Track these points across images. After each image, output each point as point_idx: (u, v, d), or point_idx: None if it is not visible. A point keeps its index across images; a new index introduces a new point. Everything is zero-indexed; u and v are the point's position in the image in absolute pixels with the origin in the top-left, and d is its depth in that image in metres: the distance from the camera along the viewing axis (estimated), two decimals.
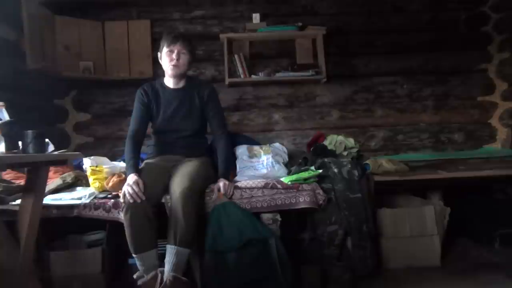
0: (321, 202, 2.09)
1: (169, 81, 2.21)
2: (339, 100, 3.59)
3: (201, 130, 2.26)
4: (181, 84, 2.21)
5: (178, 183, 1.88)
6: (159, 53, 2.18)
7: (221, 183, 2.02)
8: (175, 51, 2.09)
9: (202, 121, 2.23)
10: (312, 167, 2.34)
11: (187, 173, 1.94)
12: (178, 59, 2.10)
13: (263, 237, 1.84)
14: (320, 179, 2.21)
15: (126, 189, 1.81)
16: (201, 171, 2.03)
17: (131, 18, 3.47)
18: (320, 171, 2.26)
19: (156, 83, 2.25)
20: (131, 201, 1.78)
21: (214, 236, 1.84)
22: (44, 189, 1.76)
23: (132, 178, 1.87)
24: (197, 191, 1.90)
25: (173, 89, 2.20)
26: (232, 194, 2.03)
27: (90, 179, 2.15)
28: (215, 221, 1.88)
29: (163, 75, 2.26)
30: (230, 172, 2.20)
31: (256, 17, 3.42)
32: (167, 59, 2.12)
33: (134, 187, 1.80)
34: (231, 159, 2.30)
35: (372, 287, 2.09)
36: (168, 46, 2.10)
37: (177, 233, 1.79)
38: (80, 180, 2.24)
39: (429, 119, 3.61)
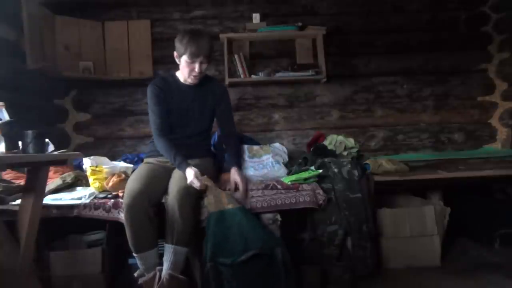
0: (321, 202, 2.09)
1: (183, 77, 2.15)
2: (339, 100, 3.59)
3: (208, 130, 2.24)
4: None
5: (176, 182, 1.88)
6: (175, 52, 2.05)
7: (238, 177, 2.01)
8: (197, 63, 2.00)
9: (211, 120, 2.22)
10: (312, 167, 2.34)
11: None
12: (200, 71, 2.03)
13: (269, 248, 1.78)
14: (320, 179, 2.21)
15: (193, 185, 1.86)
16: (200, 170, 2.02)
17: (131, 18, 3.47)
18: (320, 171, 2.26)
19: (169, 77, 2.18)
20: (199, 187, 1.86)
21: (218, 246, 1.76)
22: (44, 189, 1.76)
23: (190, 173, 1.87)
24: (194, 191, 1.88)
25: (187, 85, 2.14)
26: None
27: (90, 179, 2.15)
28: (219, 229, 1.81)
29: (163, 75, 2.24)
30: (242, 163, 2.23)
31: (256, 17, 3.42)
32: (186, 68, 2.03)
33: (196, 182, 1.85)
34: (242, 155, 2.32)
35: (372, 287, 2.09)
36: (191, 58, 1.98)
37: (174, 232, 1.79)
38: (80, 180, 2.24)
39: (429, 119, 3.61)
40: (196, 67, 2.01)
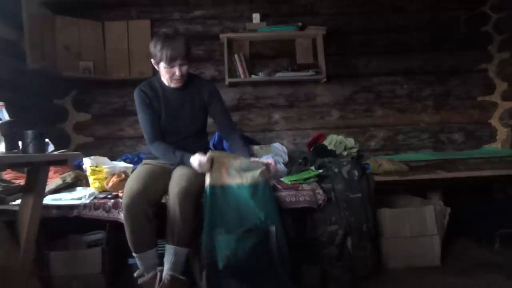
0: (320, 201, 2.09)
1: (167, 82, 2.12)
2: (339, 100, 3.59)
3: (203, 129, 2.21)
4: None
5: (176, 183, 1.87)
6: (152, 60, 2.00)
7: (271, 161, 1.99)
8: (176, 67, 1.95)
9: (204, 120, 2.19)
10: (312, 167, 2.34)
11: (185, 173, 1.93)
12: (181, 75, 1.98)
13: (264, 226, 1.81)
14: (320, 179, 2.22)
15: (203, 171, 1.88)
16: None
17: (131, 18, 3.47)
18: (320, 171, 2.26)
19: (154, 81, 2.10)
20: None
21: (214, 219, 1.81)
22: (44, 189, 1.76)
23: (195, 159, 1.89)
24: (195, 191, 1.87)
25: (173, 89, 2.08)
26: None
27: (90, 179, 2.16)
28: (217, 202, 1.85)
29: (148, 80, 2.15)
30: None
31: (256, 17, 3.42)
32: (167, 74, 1.98)
33: (203, 160, 1.86)
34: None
35: (372, 287, 2.09)
36: (169, 64, 1.93)
37: (175, 232, 1.79)
38: (80, 180, 2.25)
39: (429, 119, 3.61)
40: (176, 71, 1.95)
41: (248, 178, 1.91)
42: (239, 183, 1.89)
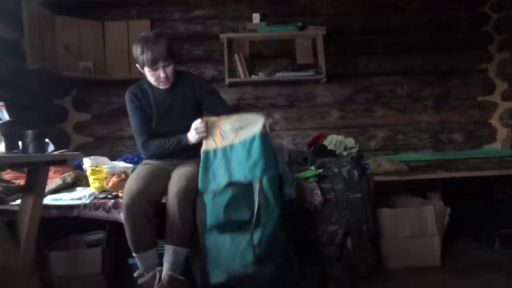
0: (316, 203, 2.09)
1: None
2: (339, 100, 3.59)
3: None
4: None
5: (175, 182, 1.87)
6: (137, 65, 1.99)
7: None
8: (160, 69, 1.95)
9: (198, 113, 2.16)
10: (312, 167, 2.34)
11: (184, 173, 1.93)
12: (166, 76, 1.97)
13: (246, 181, 1.81)
14: (320, 179, 2.22)
15: (201, 136, 1.91)
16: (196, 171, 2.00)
17: (131, 18, 3.47)
18: (320, 170, 2.26)
19: (143, 82, 2.10)
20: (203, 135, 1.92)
21: (205, 182, 1.85)
22: (44, 189, 1.76)
23: (191, 133, 1.93)
24: (194, 190, 1.87)
25: (163, 88, 2.08)
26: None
27: (90, 179, 2.16)
28: (210, 166, 1.88)
29: (138, 82, 2.14)
30: None
31: (256, 17, 3.42)
32: (152, 77, 1.99)
33: (198, 124, 1.90)
34: None
35: (372, 287, 2.09)
36: (151, 67, 1.93)
37: (174, 232, 1.79)
38: (80, 180, 2.25)
39: (429, 119, 3.61)
40: (161, 73, 1.95)
41: (241, 135, 1.90)
42: (232, 143, 1.89)
